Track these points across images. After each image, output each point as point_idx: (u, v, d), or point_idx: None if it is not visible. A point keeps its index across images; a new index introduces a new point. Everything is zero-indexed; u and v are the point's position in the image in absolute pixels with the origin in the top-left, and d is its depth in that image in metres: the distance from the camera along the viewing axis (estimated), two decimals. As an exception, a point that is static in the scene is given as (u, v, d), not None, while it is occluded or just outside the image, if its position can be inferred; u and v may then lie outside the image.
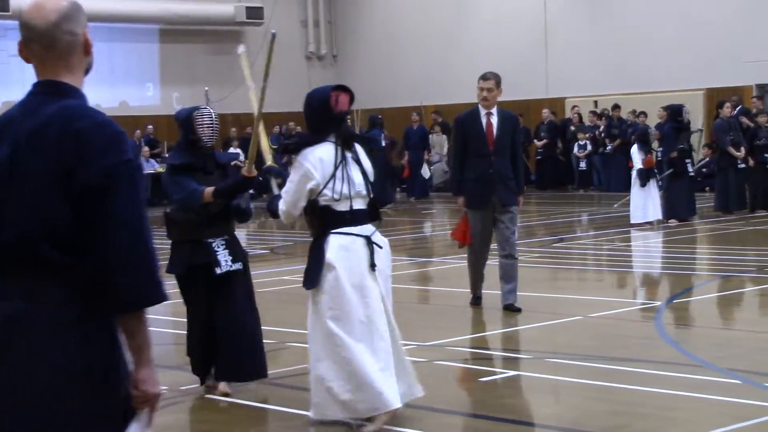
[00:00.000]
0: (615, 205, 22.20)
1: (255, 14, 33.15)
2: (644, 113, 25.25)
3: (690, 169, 19.70)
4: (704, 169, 25.26)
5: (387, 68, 33.90)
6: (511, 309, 10.63)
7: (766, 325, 9.95)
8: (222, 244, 7.78)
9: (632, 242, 17.36)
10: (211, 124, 7.81)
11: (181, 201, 7.77)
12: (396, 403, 6.42)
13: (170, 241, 8.03)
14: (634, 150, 18.81)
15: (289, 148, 6.82)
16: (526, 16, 30.48)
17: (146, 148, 29.67)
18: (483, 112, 10.73)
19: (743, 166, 20.24)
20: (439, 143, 30.16)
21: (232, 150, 31.08)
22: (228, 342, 7.62)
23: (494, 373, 8.32)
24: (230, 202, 7.79)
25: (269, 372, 8.22)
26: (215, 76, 32.68)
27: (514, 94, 27.21)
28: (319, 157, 6.48)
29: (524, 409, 7.37)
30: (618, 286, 13.26)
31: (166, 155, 30.40)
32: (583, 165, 28.27)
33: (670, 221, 18.73)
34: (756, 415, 6.79)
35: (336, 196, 6.45)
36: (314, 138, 6.55)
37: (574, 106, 28.89)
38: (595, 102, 28.97)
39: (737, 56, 26.38)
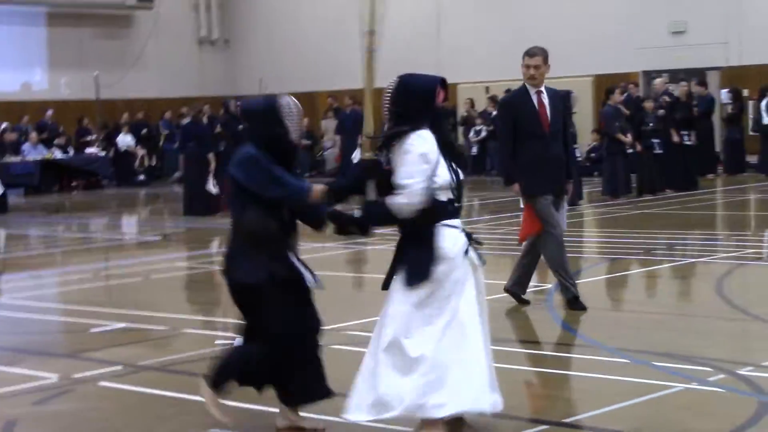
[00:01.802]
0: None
1: (145, -2, 32.82)
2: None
3: (578, 154, 20.00)
4: (592, 155, 25.68)
5: (279, 53, 33.77)
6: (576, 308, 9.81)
7: (653, 305, 10.16)
8: (296, 259, 6.33)
9: (524, 226, 17.54)
10: (299, 115, 6.38)
11: (287, 199, 6.18)
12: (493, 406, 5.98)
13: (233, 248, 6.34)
14: (525, 135, 19.02)
15: (387, 140, 5.81)
16: (420, 1, 30.61)
17: (34, 134, 29.00)
18: (532, 91, 9.78)
19: (631, 151, 20.63)
20: (332, 129, 30.16)
21: (122, 136, 30.68)
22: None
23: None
24: (324, 208, 6.26)
25: (163, 358, 8.17)
26: (106, 61, 32.24)
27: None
28: (429, 138, 5.90)
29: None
30: (510, 269, 13.38)
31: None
32: (474, 150, 28.54)
33: (560, 205, 18.97)
34: (645, 393, 6.94)
35: (441, 183, 5.88)
36: (414, 125, 5.89)
37: (486, 86, 28.81)
38: (487, 88, 29.23)
39: (626, 43, 26.85)
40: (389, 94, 6.07)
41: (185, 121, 24.80)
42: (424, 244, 5.88)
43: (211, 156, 20.98)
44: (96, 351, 8.80)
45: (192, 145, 20.68)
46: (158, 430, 6.69)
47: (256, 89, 31.27)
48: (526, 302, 10.10)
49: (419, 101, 5.96)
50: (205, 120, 29.55)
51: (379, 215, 5.98)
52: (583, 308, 9.72)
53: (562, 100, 10.03)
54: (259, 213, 6.17)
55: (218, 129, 28.15)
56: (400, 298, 5.90)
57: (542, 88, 9.79)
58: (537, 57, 9.78)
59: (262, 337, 6.21)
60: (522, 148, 9.77)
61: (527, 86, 9.82)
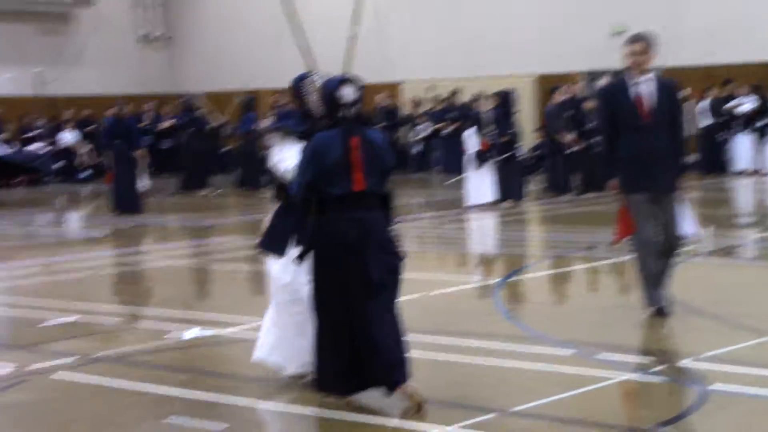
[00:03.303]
0: (445, 183, 22.77)
1: (85, -5, 32.70)
2: (480, 98, 25.83)
3: (520, 152, 20.31)
4: (536, 152, 25.98)
5: (221, 50, 33.72)
6: (660, 313, 9.17)
7: (595, 299, 10.38)
8: None
9: (469, 223, 17.79)
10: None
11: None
12: None
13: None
14: (469, 133, 19.29)
15: None
16: None
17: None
18: (633, 79, 9.12)
19: (570, 150, 20.92)
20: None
21: (65, 132, 30.51)
22: None
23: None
24: None
25: (117, 350, 8.20)
26: (47, 57, 32.06)
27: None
28: None
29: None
30: (456, 265, 13.60)
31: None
32: (419, 148, 28.74)
33: (503, 203, 19.25)
34: (589, 383, 7.15)
35: None
36: None
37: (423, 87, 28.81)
38: (432, 87, 29.40)
39: (568, 43, 27.17)
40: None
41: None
42: None
43: (139, 153, 20.69)
44: (49, 343, 8.84)
45: (119, 142, 20.46)
46: (114, 420, 6.75)
47: (198, 87, 31.26)
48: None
49: None
50: (147, 117, 29.57)
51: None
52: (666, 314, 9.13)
53: (669, 88, 9.25)
54: None
55: (167, 124, 28.13)
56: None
57: (645, 77, 9.12)
58: (639, 43, 9.11)
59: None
60: (620, 141, 9.20)
61: (628, 75, 9.20)
